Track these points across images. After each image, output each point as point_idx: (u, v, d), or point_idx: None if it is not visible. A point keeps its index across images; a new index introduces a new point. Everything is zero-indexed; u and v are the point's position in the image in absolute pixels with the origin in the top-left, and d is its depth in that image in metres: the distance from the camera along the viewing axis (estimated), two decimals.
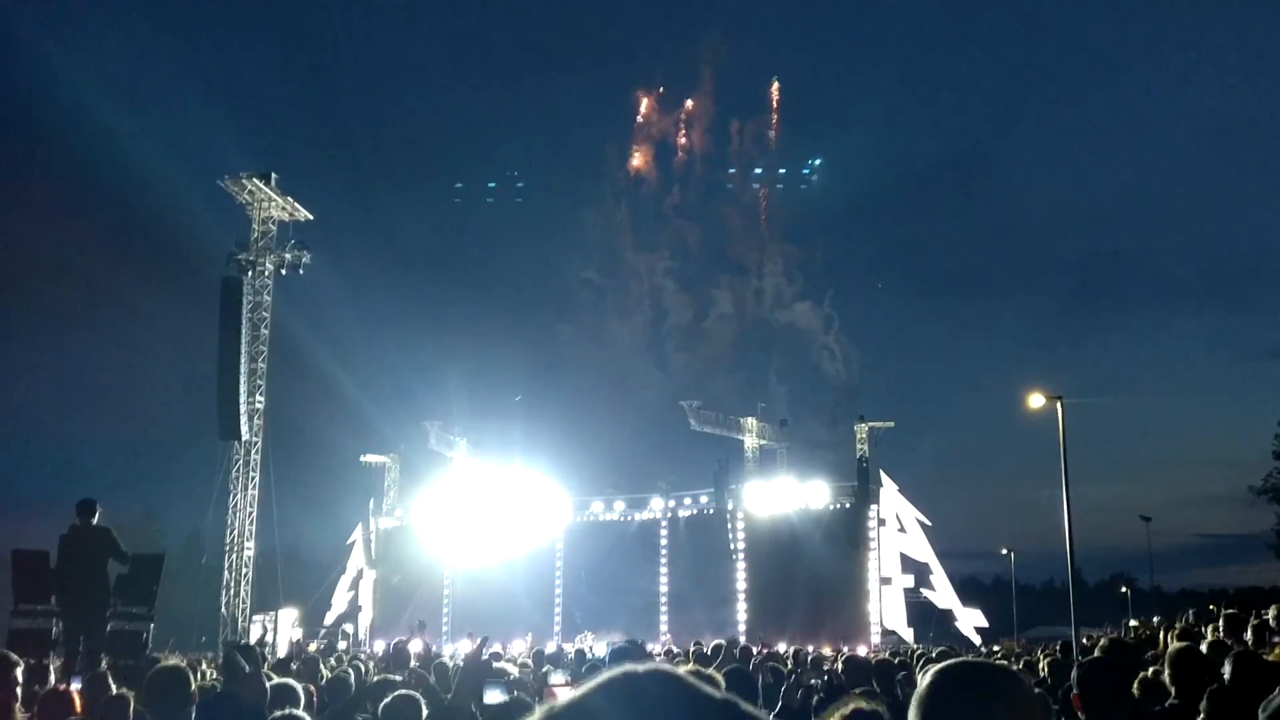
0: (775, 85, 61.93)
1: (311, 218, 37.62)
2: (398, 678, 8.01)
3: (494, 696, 5.82)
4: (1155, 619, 24.54)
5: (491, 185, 65.24)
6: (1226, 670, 5.42)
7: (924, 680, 2.35)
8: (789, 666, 11.89)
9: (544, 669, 9.19)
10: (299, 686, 5.97)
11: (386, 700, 5.45)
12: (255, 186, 35.79)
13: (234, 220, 36.94)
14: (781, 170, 63.95)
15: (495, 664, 8.48)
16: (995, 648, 25.14)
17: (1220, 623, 11.08)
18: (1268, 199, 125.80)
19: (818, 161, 65.30)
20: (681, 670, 1.02)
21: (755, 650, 14.59)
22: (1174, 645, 6.24)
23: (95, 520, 11.96)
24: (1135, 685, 5.81)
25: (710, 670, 5.56)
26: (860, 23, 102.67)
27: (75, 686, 7.85)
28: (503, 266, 62.66)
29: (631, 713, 0.92)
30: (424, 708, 5.46)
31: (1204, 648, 8.32)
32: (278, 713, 4.74)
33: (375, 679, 8.33)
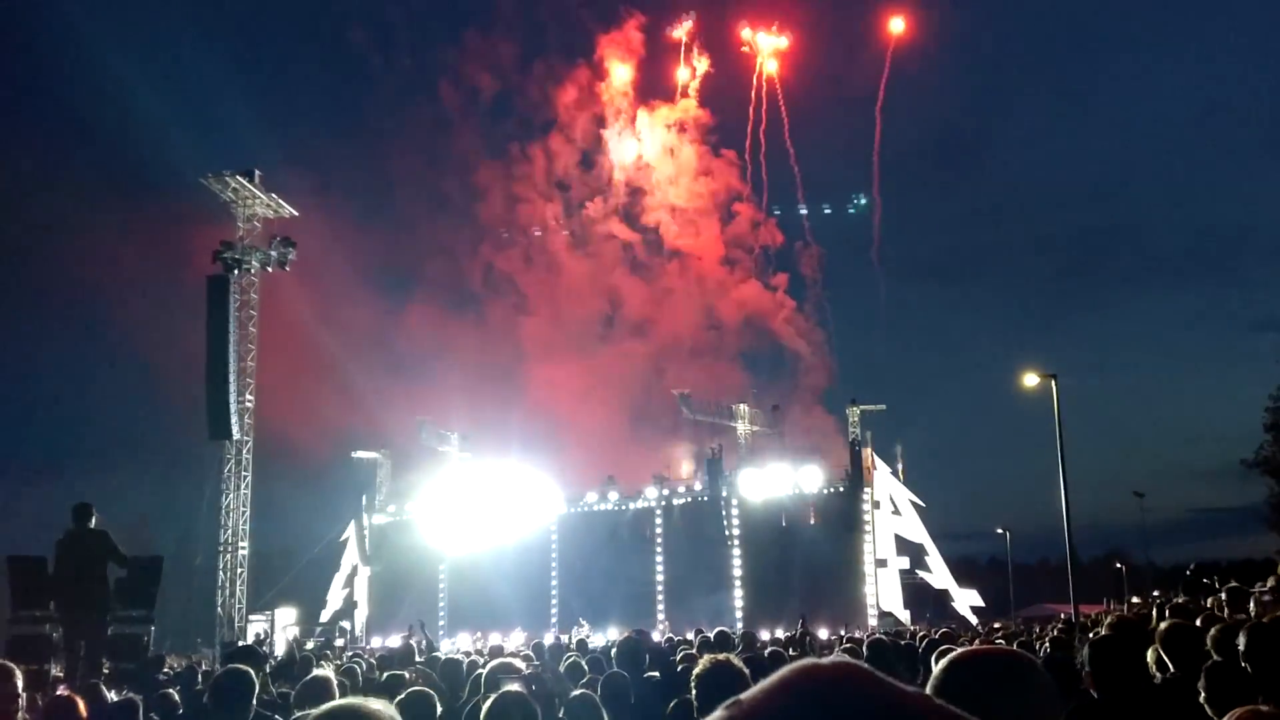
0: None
1: (296, 214, 37.47)
2: (407, 674, 7.96)
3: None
4: (1154, 594, 24.65)
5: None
6: (1241, 642, 5.41)
7: (939, 668, 2.31)
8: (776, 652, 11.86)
9: (568, 659, 9.01)
10: (332, 675, 5.95)
11: (400, 697, 5.39)
12: (239, 184, 35.59)
13: (219, 218, 36.81)
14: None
15: (503, 659, 8.41)
16: (996, 625, 25.20)
17: (1223, 595, 11.12)
18: (1254, 174, 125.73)
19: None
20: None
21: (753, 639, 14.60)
22: (1164, 623, 6.29)
23: (92, 524, 11.87)
24: (1151, 660, 5.82)
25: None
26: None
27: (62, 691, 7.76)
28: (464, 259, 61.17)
29: None
30: (438, 705, 5.41)
31: (1199, 621, 8.36)
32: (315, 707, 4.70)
33: (384, 676, 8.28)
